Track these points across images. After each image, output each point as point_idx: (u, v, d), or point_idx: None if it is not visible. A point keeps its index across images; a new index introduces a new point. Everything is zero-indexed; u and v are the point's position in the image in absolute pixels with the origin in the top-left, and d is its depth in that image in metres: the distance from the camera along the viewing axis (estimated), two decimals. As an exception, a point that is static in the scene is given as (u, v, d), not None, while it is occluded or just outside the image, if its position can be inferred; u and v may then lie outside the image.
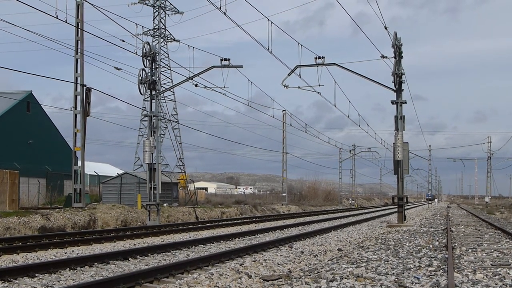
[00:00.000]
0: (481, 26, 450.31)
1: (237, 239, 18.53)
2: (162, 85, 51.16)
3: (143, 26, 51.61)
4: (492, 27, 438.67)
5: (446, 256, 11.09)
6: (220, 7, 19.89)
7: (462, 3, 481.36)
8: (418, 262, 10.43)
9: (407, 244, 14.28)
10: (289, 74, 26.23)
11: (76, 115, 27.00)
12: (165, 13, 57.57)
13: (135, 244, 16.40)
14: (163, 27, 57.30)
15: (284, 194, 56.33)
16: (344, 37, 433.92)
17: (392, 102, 25.01)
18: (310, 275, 8.98)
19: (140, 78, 24.43)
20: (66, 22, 22.46)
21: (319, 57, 25.48)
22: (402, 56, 25.22)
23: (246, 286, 8.80)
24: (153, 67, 24.92)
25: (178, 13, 58.19)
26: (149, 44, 25.26)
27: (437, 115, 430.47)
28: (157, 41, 56.23)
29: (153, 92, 25.10)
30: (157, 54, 25.55)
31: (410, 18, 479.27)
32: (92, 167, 56.88)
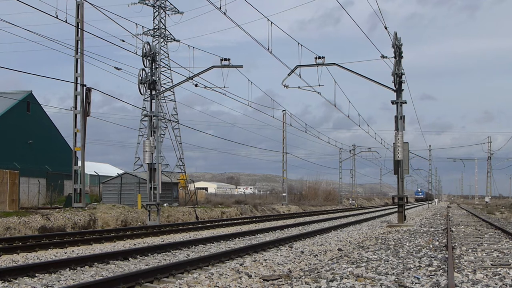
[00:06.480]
0: (496, 25, 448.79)
1: (237, 239, 18.52)
2: (162, 85, 51.16)
3: (143, 26, 51.63)
4: (508, 26, 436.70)
5: (446, 256, 11.09)
6: (220, 7, 19.90)
7: (480, 1, 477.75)
8: (418, 262, 10.42)
9: (407, 244, 14.28)
10: (289, 74, 26.24)
11: (76, 115, 27.01)
12: (165, 13, 57.59)
13: (135, 244, 16.40)
14: (163, 27, 57.31)
15: (284, 194, 56.32)
16: (360, 36, 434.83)
17: (392, 102, 25.01)
18: (310, 275, 8.97)
19: (140, 78, 24.44)
20: (66, 22, 22.48)
21: (319, 57, 25.49)
22: (402, 56, 25.21)
23: (246, 286, 8.80)
24: (153, 67, 24.92)
25: (178, 13, 58.21)
26: (149, 44, 25.26)
27: (445, 115, 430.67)
28: (157, 41, 56.23)
29: (153, 92, 25.10)
30: (157, 54, 25.54)
31: (425, 16, 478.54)
32: (92, 167, 56.87)
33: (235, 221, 29.48)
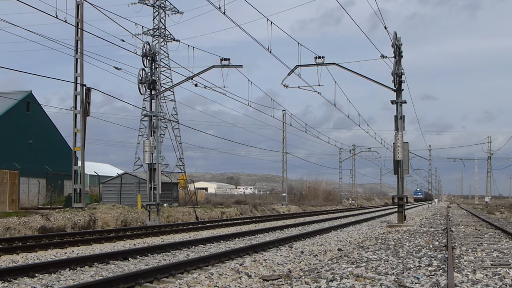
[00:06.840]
0: (496, 25, 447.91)
1: (237, 239, 18.52)
2: (162, 85, 51.15)
3: (143, 26, 51.64)
4: (508, 26, 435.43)
5: (446, 256, 11.09)
6: (220, 7, 19.90)
7: (481, 1, 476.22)
8: (418, 262, 10.42)
9: (407, 244, 14.28)
10: (289, 74, 26.24)
11: (76, 115, 27.01)
12: (165, 13, 57.59)
13: (135, 244, 16.39)
14: (163, 27, 57.32)
15: (284, 194, 56.32)
16: (360, 36, 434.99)
17: (392, 102, 25.02)
18: (310, 275, 8.97)
19: (140, 78, 24.44)
20: (66, 22, 22.49)
21: (319, 57, 25.50)
22: (402, 56, 25.22)
23: (246, 286, 8.80)
24: (153, 67, 24.92)
25: (178, 13, 58.22)
26: (149, 44, 25.26)
27: (445, 115, 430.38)
28: (157, 41, 56.23)
29: (153, 92, 25.10)
30: (157, 54, 25.54)
31: (425, 16, 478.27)
32: (92, 167, 56.84)
33: (235, 221, 29.48)
